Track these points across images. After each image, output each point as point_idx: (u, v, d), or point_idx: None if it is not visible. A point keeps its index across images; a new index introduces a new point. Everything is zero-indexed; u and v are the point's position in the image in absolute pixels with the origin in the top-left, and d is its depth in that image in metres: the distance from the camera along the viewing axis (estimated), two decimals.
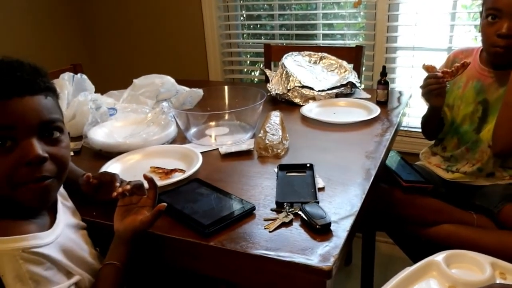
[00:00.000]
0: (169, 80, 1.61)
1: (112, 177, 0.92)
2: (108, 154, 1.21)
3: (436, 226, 1.28)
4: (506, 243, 1.15)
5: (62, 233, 0.78)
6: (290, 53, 1.79)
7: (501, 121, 1.21)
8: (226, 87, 1.53)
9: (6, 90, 0.68)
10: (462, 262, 0.86)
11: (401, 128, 2.01)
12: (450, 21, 1.94)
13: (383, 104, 1.54)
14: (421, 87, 1.33)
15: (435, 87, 1.28)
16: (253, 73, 2.56)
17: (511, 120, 1.18)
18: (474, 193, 1.37)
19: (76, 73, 1.58)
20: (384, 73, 1.54)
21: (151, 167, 1.11)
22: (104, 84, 1.71)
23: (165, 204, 0.84)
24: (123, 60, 2.73)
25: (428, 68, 1.31)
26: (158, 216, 0.84)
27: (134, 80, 1.60)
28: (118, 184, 0.88)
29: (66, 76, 1.51)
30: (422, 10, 1.94)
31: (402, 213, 1.33)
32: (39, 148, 0.70)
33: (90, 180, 0.91)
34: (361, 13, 2.14)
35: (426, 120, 1.49)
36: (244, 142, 1.26)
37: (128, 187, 0.84)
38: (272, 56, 2.06)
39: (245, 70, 2.55)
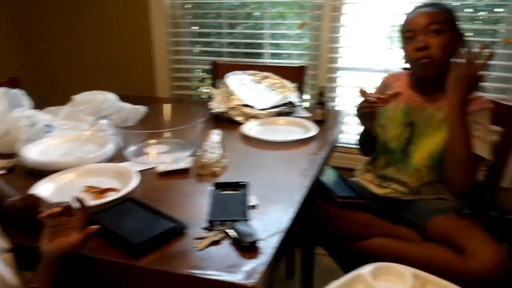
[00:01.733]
0: (111, 96, 1.59)
1: (38, 200, 0.91)
2: (41, 172, 1.17)
3: (368, 240, 1.35)
4: (430, 255, 1.22)
5: None
6: (234, 72, 1.83)
7: (456, 162, 1.27)
8: (169, 105, 1.54)
9: None
10: (388, 274, 0.90)
11: (341, 145, 2.09)
12: (388, 45, 2.06)
13: (320, 123, 1.61)
14: (356, 109, 1.41)
15: (367, 111, 1.36)
16: (201, 89, 2.57)
17: (459, 156, 1.27)
18: (404, 207, 1.45)
19: (14, 87, 1.53)
20: (321, 93, 1.61)
21: (85, 186, 1.10)
22: (47, 100, 1.66)
23: (97, 226, 0.83)
24: (68, 75, 2.66)
25: (363, 93, 1.37)
26: (89, 238, 0.83)
27: (74, 96, 1.56)
28: (44, 208, 0.87)
29: (0, 90, 1.46)
30: (361, 34, 2.07)
31: (337, 228, 1.38)
32: None
33: (15, 204, 0.89)
34: (307, 34, 2.22)
35: (361, 139, 1.57)
36: (183, 160, 1.27)
37: (55, 210, 0.83)
38: (219, 73, 2.08)
39: (194, 86, 2.56)
